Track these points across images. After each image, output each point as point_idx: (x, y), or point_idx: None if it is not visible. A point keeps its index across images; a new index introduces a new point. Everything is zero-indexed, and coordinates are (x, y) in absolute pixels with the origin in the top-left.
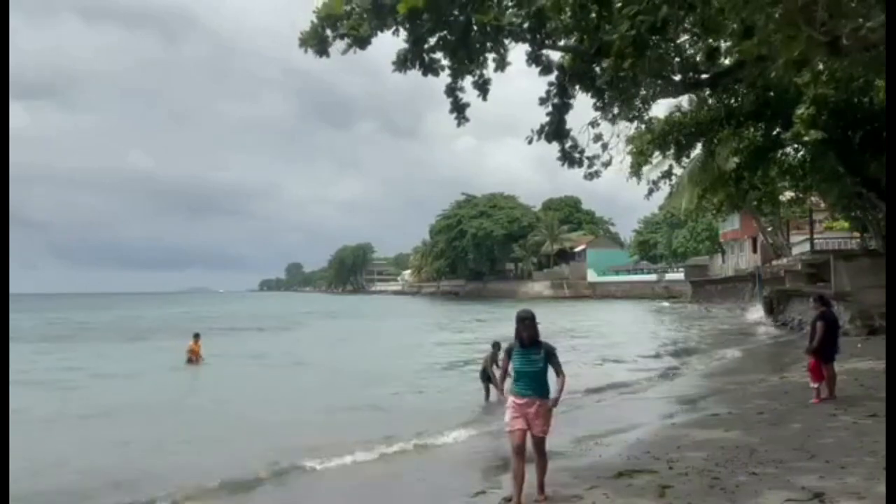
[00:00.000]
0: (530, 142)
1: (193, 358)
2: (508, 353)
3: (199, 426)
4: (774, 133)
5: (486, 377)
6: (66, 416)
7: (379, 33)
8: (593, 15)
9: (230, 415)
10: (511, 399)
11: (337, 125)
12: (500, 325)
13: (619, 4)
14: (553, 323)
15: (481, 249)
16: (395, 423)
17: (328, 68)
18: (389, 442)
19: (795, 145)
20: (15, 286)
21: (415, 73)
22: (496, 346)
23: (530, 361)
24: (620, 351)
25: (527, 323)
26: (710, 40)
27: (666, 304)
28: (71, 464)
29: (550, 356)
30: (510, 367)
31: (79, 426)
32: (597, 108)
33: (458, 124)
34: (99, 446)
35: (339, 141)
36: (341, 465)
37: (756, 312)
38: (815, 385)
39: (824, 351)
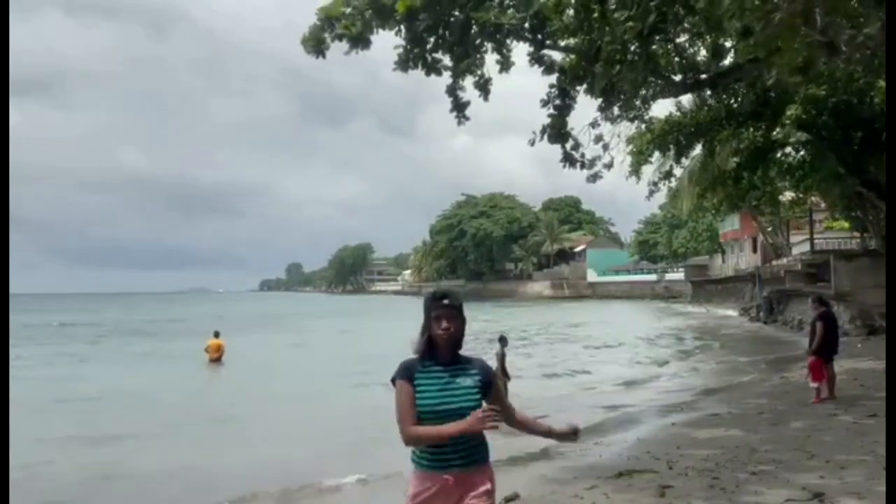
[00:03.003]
0: (533, 143)
1: (214, 356)
2: (408, 374)
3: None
4: (774, 133)
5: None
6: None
7: (379, 31)
8: (596, 15)
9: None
10: (413, 480)
11: (336, 124)
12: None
13: (613, 8)
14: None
15: (481, 249)
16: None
17: (327, 67)
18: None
19: (796, 146)
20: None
21: (414, 72)
22: (502, 340)
23: (455, 389)
24: (620, 351)
25: (447, 307)
26: (714, 38)
27: (691, 307)
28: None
29: (488, 386)
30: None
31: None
32: (600, 109)
33: (459, 123)
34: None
35: (339, 140)
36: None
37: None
38: (815, 385)
39: (825, 351)
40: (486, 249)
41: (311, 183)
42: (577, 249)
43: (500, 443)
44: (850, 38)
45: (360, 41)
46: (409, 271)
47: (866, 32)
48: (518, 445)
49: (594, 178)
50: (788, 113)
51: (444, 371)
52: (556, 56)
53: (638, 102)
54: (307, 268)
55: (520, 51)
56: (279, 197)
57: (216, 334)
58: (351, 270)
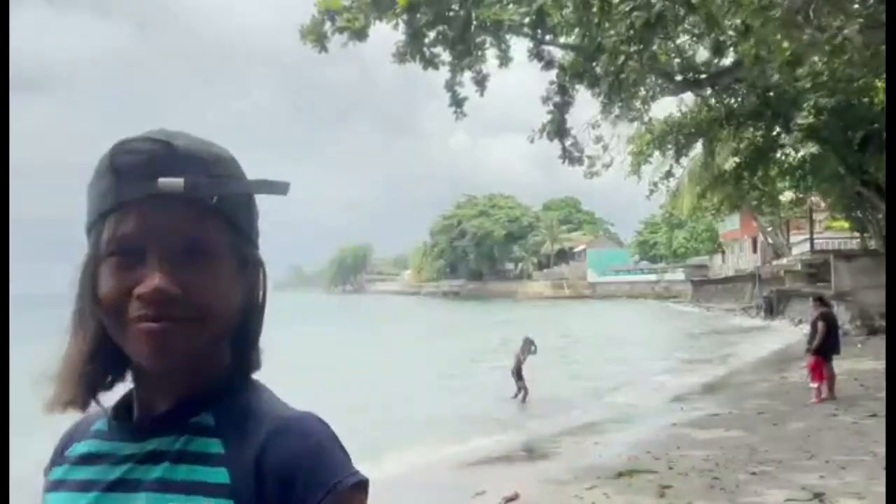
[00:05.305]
0: (532, 140)
1: None
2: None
3: None
4: (774, 133)
5: (519, 374)
6: None
7: (376, 23)
8: (595, 10)
9: None
10: None
11: (336, 123)
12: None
13: (616, 1)
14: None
15: (481, 249)
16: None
17: (326, 66)
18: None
19: (797, 147)
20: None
21: (413, 72)
22: (528, 342)
23: None
24: (621, 351)
25: (159, 201)
26: (714, 35)
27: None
28: None
29: None
30: None
31: None
32: (602, 108)
33: (457, 118)
34: None
35: (338, 140)
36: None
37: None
38: (815, 385)
39: (825, 350)
40: (486, 249)
41: (310, 182)
42: (577, 249)
43: (502, 440)
44: (831, 36)
45: (359, 34)
46: (408, 271)
47: (846, 34)
48: (518, 445)
49: (592, 174)
50: (799, 121)
51: (124, 460)
52: (556, 52)
53: (638, 103)
54: (307, 268)
55: (519, 47)
56: (279, 196)
57: None
58: (351, 271)
